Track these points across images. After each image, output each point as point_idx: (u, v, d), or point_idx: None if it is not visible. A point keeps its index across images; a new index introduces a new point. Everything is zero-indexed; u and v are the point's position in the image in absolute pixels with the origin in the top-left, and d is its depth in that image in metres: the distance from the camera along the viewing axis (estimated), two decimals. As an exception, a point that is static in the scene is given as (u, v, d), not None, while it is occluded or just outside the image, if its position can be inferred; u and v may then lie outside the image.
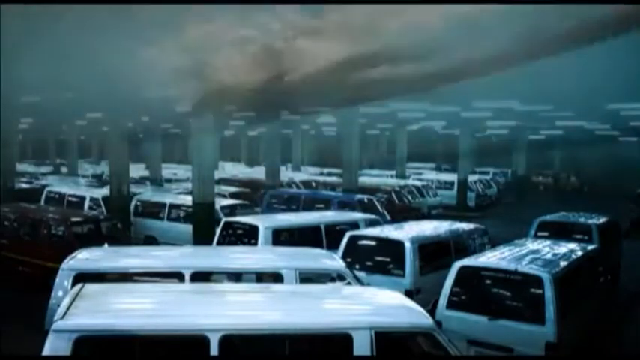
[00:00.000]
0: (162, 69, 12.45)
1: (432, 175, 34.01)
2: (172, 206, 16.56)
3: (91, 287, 5.76)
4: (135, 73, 12.84)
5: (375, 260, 10.17)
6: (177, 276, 7.31)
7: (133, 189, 18.74)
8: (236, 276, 8.13)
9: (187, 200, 16.21)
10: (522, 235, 11.93)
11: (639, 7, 7.77)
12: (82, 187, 21.74)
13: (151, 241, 15.92)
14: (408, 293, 8.60)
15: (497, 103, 21.22)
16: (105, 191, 18.12)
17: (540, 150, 41.83)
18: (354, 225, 12.46)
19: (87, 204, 17.54)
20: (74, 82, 15.83)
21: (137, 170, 27.79)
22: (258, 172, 29.81)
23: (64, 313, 4.96)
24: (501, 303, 7.95)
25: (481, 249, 10.82)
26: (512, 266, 7.97)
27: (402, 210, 20.61)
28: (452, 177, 30.88)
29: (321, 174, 34.87)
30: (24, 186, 22.69)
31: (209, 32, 9.87)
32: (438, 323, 6.79)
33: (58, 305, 5.36)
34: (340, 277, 7.82)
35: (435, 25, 9.14)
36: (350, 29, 9.50)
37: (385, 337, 5.17)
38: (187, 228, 15.19)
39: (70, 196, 18.34)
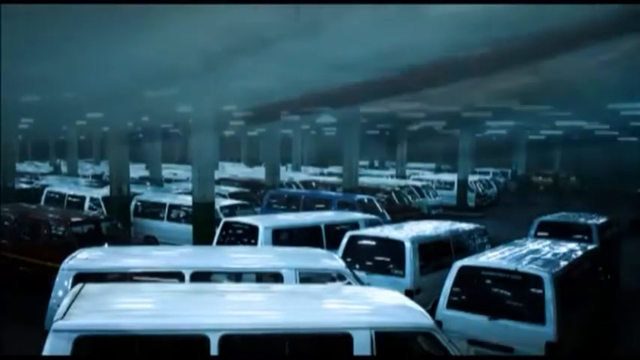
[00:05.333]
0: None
1: (431, 175, 34.03)
2: (172, 206, 16.55)
3: (91, 287, 5.75)
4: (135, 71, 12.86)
5: (375, 260, 10.16)
6: (177, 276, 7.31)
7: (133, 189, 18.74)
8: (236, 276, 8.13)
9: (187, 200, 16.20)
10: (522, 235, 11.92)
11: (639, 7, 7.78)
12: (82, 187, 21.73)
13: (150, 241, 15.92)
14: (408, 293, 8.60)
15: (497, 103, 21.22)
16: (105, 191, 18.13)
17: (540, 150, 41.86)
18: (354, 225, 12.45)
19: (87, 204, 17.54)
20: (75, 82, 15.86)
21: (137, 170, 27.80)
22: (258, 172, 29.83)
23: (64, 313, 4.96)
24: (501, 303, 7.94)
25: (481, 249, 10.81)
26: (512, 266, 7.97)
27: (402, 210, 20.61)
28: (452, 177, 30.90)
29: (321, 174, 34.89)
30: (24, 186, 22.69)
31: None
32: (438, 323, 6.79)
33: (58, 305, 5.35)
34: (340, 277, 7.81)
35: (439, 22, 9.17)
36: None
37: (385, 337, 5.16)
38: (187, 228, 15.19)
39: (70, 196, 18.35)
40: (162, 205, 16.76)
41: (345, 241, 10.39)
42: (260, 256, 9.05)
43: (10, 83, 13.58)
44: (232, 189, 21.15)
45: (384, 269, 9.91)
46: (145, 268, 7.63)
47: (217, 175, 21.71)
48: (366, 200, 18.20)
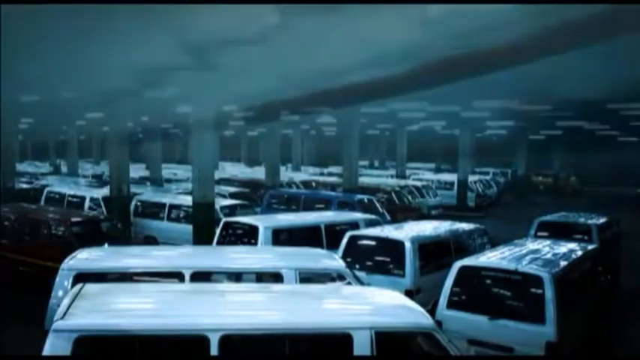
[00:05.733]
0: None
1: (431, 175, 34.05)
2: (172, 206, 16.56)
3: (91, 287, 5.76)
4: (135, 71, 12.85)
5: (375, 260, 10.16)
6: (177, 276, 7.31)
7: (133, 189, 18.74)
8: (236, 276, 8.13)
9: (187, 200, 16.20)
10: (522, 235, 11.92)
11: (638, 7, 7.78)
12: (82, 187, 21.73)
13: (150, 241, 15.92)
14: (408, 293, 8.60)
15: (497, 103, 21.21)
16: (105, 191, 18.13)
17: (540, 150, 41.86)
18: (354, 225, 12.45)
19: (87, 204, 17.54)
20: (75, 82, 15.84)
21: (137, 170, 27.80)
22: (258, 172, 29.84)
23: (64, 313, 4.96)
24: (501, 303, 7.94)
25: (481, 249, 10.82)
26: (512, 266, 7.97)
27: (402, 210, 20.61)
28: (452, 177, 30.92)
29: (321, 174, 34.91)
30: (24, 186, 22.69)
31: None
32: (438, 323, 6.79)
33: (58, 305, 5.35)
34: (340, 277, 7.82)
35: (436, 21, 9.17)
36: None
37: (385, 337, 5.17)
38: (187, 228, 15.19)
39: (70, 196, 18.34)
40: (162, 205, 16.76)
41: (345, 241, 10.39)
42: (260, 256, 9.05)
43: (11, 83, 13.58)
44: (232, 189, 21.16)
45: (384, 269, 9.91)
46: (145, 268, 7.63)
47: (217, 175, 21.71)
48: (366, 200, 18.20)
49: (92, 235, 12.87)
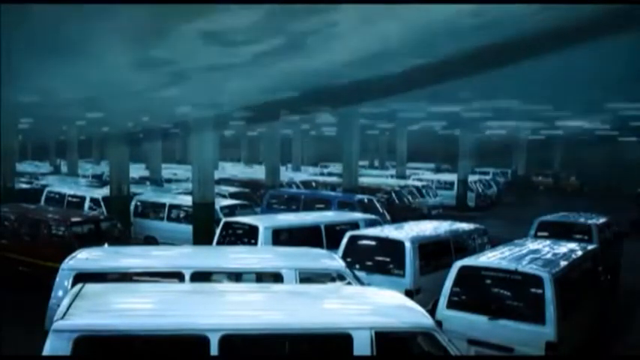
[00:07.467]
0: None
1: (431, 175, 34.05)
2: (172, 206, 16.56)
3: (91, 287, 5.76)
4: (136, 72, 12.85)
5: (375, 260, 10.17)
6: (177, 276, 7.31)
7: (133, 189, 18.74)
8: (236, 276, 8.13)
9: (187, 200, 16.21)
10: (523, 235, 11.92)
11: (638, 6, 7.78)
12: (82, 187, 21.72)
13: (150, 241, 15.92)
14: (408, 293, 8.61)
15: (497, 103, 21.19)
16: (105, 191, 18.13)
17: (540, 150, 41.85)
18: (354, 225, 12.45)
19: (87, 204, 17.54)
20: (74, 82, 15.84)
21: (137, 170, 27.79)
22: (258, 172, 29.84)
23: (64, 313, 4.96)
24: (501, 303, 7.95)
25: (481, 249, 10.82)
26: (512, 266, 7.97)
27: (402, 210, 20.61)
28: (452, 177, 30.93)
29: (321, 174, 34.92)
30: (24, 186, 22.68)
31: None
32: (438, 323, 6.79)
33: (58, 305, 5.35)
34: (340, 277, 7.82)
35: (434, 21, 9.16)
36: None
37: (385, 337, 5.17)
38: (187, 228, 15.19)
39: (70, 196, 18.34)
40: (162, 205, 16.76)
41: (345, 241, 10.39)
42: (260, 256, 9.06)
43: (11, 83, 13.57)
44: (232, 189, 21.15)
45: (384, 269, 9.91)
46: (145, 268, 7.63)
47: (217, 175, 21.71)
48: (366, 200, 18.20)
49: (92, 235, 12.89)
